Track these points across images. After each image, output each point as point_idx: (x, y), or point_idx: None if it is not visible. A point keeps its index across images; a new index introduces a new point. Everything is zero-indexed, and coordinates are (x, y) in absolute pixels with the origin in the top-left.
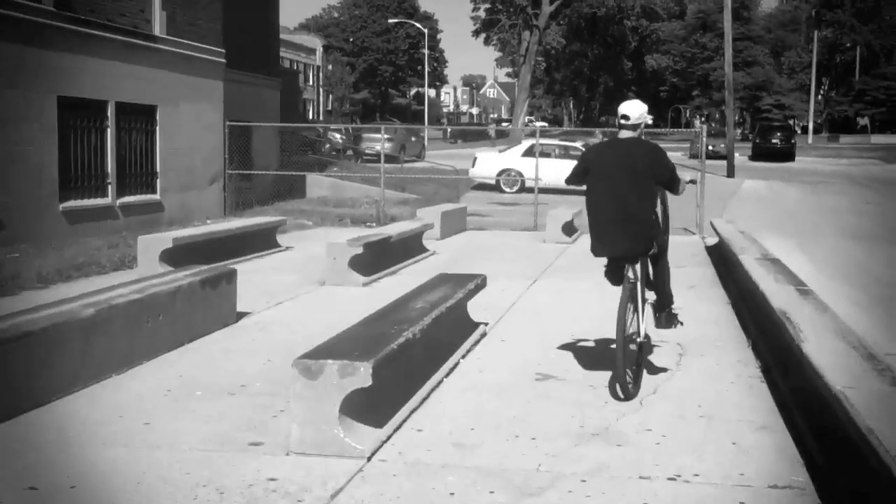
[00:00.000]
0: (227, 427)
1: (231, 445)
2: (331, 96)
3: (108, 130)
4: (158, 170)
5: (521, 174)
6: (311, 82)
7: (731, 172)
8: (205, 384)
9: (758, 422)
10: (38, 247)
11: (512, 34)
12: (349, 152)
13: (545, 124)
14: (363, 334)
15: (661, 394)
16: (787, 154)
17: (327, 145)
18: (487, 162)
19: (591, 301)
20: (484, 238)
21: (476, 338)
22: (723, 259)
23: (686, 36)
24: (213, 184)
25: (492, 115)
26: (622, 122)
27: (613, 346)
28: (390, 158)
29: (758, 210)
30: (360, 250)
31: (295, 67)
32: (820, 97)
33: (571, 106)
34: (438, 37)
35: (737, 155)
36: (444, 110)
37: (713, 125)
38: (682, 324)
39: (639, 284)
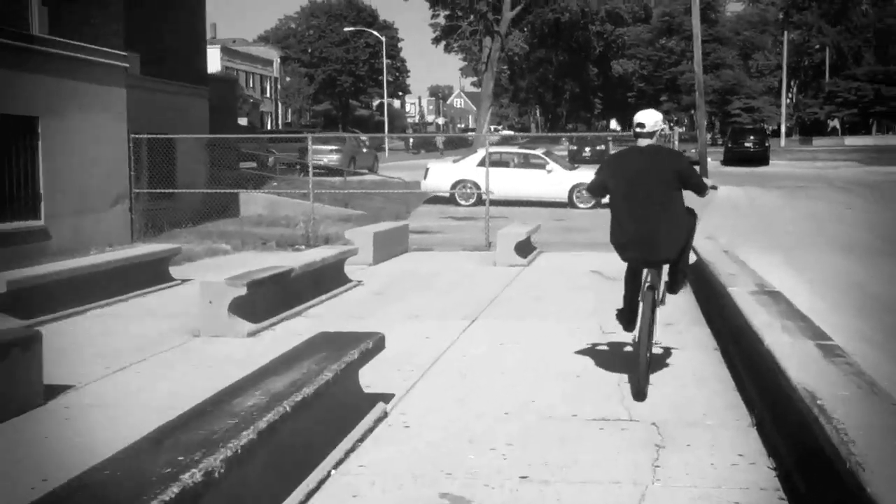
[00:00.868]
0: None
1: None
2: (290, 109)
3: None
4: (42, 191)
5: (477, 185)
6: (269, 94)
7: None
8: None
9: None
10: None
11: (473, 41)
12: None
13: (511, 133)
14: (150, 460)
15: None
16: (760, 158)
17: (271, 159)
18: (441, 173)
19: (539, 353)
20: (425, 262)
21: (369, 423)
22: (705, 285)
23: (652, 40)
24: (116, 205)
25: (459, 126)
26: (638, 130)
27: (569, 427)
28: (336, 172)
29: (736, 220)
30: (242, 291)
31: (251, 80)
32: (789, 100)
33: (538, 114)
34: (400, 45)
35: (709, 160)
36: (409, 121)
37: (683, 130)
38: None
39: (660, 289)
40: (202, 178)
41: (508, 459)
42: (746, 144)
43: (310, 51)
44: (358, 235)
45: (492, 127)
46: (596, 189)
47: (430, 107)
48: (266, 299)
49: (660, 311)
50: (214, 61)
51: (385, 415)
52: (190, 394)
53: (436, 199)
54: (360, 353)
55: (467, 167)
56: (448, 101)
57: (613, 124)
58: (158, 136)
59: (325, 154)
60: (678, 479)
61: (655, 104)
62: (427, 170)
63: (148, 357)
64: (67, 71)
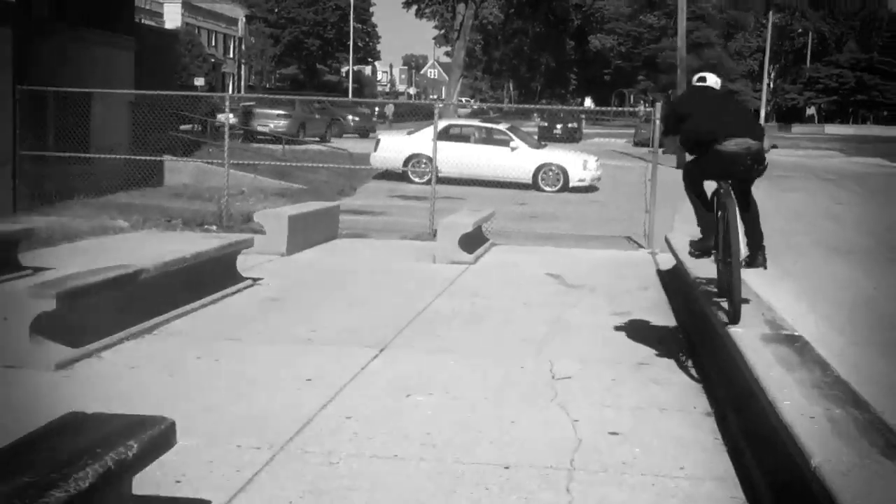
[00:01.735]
0: None
1: None
2: (252, 70)
3: None
4: None
5: (432, 161)
6: (231, 55)
7: (682, 164)
8: None
9: None
10: None
11: (446, 7)
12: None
13: (482, 105)
14: None
15: None
16: None
17: (218, 123)
18: (392, 146)
19: (458, 416)
20: (350, 254)
21: None
22: (688, 306)
23: (632, 14)
24: None
25: (432, 96)
26: (699, 82)
27: None
28: (279, 139)
29: None
30: (51, 305)
31: (213, 38)
32: (768, 85)
33: (511, 87)
34: (371, 10)
35: None
36: (380, 89)
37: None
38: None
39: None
40: (125, 141)
41: None
42: None
43: (276, 10)
44: (269, 219)
45: (462, 99)
46: (671, 124)
47: (403, 76)
48: (98, 313)
49: (626, 336)
50: (175, 16)
51: None
52: None
53: (388, 175)
54: (133, 454)
55: (422, 140)
56: (422, 72)
57: (588, 102)
58: (65, 90)
59: (272, 119)
60: None
61: (632, 83)
62: (378, 141)
63: None
64: None
